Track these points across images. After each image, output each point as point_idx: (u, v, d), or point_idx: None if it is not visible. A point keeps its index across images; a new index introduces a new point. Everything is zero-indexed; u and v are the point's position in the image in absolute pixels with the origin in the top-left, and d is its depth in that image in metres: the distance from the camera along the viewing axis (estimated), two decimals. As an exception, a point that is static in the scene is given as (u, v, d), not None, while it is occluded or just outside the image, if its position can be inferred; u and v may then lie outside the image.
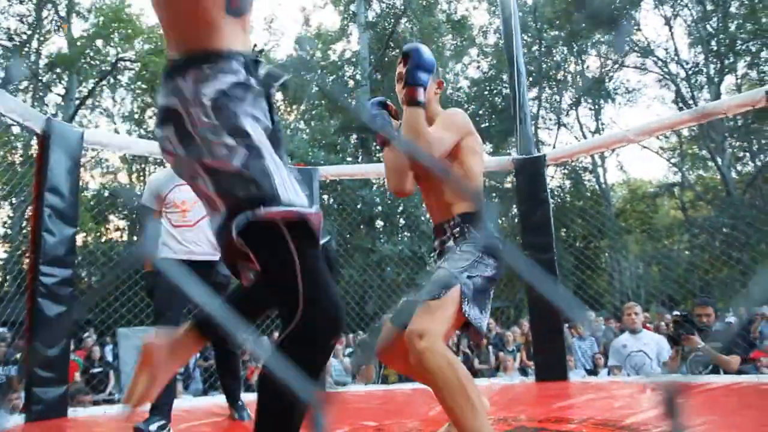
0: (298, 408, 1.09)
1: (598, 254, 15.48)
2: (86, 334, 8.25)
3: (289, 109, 21.43)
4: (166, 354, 1.34)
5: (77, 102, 17.43)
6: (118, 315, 6.56)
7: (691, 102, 18.87)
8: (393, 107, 2.18)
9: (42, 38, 17.79)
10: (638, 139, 4.29)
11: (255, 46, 1.25)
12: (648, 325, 7.11)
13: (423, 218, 16.36)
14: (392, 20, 19.77)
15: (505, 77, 20.12)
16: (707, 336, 4.01)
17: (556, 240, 4.47)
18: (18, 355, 6.14)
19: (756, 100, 3.54)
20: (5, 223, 14.64)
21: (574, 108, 22.11)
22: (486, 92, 21.96)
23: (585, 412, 2.68)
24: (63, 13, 17.77)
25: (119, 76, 18.81)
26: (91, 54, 17.75)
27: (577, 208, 16.61)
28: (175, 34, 1.18)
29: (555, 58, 21.55)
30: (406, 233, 16.94)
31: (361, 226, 15.72)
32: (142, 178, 18.87)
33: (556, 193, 18.70)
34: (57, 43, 26.53)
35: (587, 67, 21.71)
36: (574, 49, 21.00)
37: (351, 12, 19.95)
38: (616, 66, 21.68)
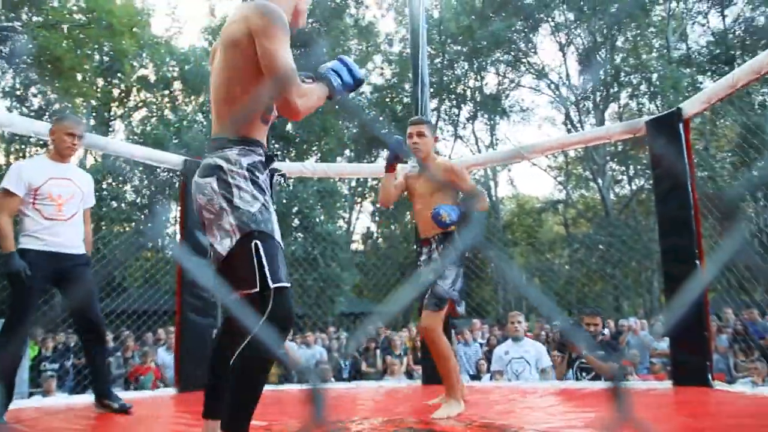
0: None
1: (485, 264, 16.06)
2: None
3: (187, 100, 20.61)
4: None
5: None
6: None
7: (578, 125, 20.12)
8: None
9: None
10: (530, 156, 4.48)
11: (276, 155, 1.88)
12: (528, 333, 7.46)
13: (317, 220, 16.26)
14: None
15: (407, 86, 20.50)
16: (593, 345, 4.27)
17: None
18: None
19: (637, 128, 3.79)
20: None
21: (471, 122, 22.91)
22: (387, 99, 22.26)
23: (468, 413, 2.78)
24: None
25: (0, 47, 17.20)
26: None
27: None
28: (231, 122, 1.75)
29: (456, 72, 22.24)
30: (299, 234, 16.72)
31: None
32: (21, 158, 17.37)
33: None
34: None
35: (486, 83, 22.58)
36: (475, 66, 21.76)
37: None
38: (513, 85, 22.72)
